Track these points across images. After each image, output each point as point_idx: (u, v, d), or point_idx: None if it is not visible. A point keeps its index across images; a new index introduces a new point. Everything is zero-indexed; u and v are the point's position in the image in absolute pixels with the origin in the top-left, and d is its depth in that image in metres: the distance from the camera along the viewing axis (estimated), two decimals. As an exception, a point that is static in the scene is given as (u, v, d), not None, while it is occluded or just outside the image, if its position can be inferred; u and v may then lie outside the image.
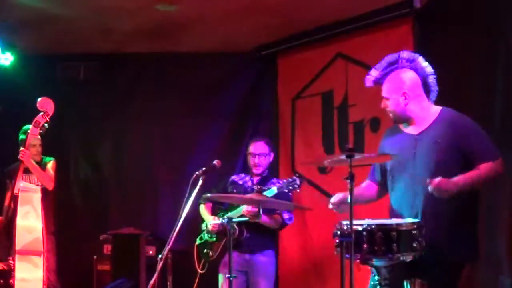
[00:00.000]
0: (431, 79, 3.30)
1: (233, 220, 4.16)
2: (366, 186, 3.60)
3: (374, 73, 3.37)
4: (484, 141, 3.20)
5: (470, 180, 3.11)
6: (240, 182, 4.62)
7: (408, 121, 3.34)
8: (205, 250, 4.57)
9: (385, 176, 3.48)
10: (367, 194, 3.58)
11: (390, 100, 3.32)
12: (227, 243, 4.31)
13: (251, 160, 4.58)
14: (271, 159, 4.66)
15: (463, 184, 3.07)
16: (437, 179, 3.01)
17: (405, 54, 3.33)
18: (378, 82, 3.37)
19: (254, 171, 4.58)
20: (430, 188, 3.03)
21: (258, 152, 4.56)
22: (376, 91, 5.12)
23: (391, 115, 3.37)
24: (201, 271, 4.57)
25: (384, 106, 3.38)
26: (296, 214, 5.83)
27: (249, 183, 4.58)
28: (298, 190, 4.22)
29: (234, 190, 4.55)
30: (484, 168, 3.13)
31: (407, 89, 3.28)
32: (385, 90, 3.35)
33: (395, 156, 3.26)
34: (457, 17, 4.48)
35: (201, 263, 4.59)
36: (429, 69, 3.31)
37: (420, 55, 3.35)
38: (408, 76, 3.29)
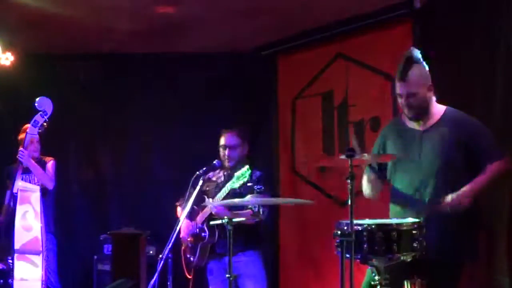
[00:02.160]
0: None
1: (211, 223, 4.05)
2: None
3: (399, 69, 3.29)
4: (490, 141, 3.24)
5: (481, 185, 3.16)
6: (214, 179, 4.40)
7: (425, 116, 3.31)
8: (187, 255, 4.41)
9: (383, 168, 3.48)
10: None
11: (418, 93, 3.25)
12: (203, 247, 4.24)
13: (222, 153, 4.32)
14: (245, 152, 4.35)
15: (477, 192, 3.14)
16: (449, 200, 3.07)
17: (415, 51, 3.32)
18: (403, 78, 3.27)
19: (226, 164, 4.31)
20: (448, 209, 3.07)
21: (229, 144, 4.29)
22: (376, 91, 5.16)
23: (412, 112, 3.29)
24: (189, 276, 4.40)
25: (407, 103, 3.27)
26: (296, 213, 5.87)
27: (222, 179, 4.35)
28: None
29: (207, 188, 4.33)
30: (491, 169, 3.17)
31: (430, 82, 3.28)
32: (412, 84, 3.25)
33: (395, 156, 3.26)
34: (457, 17, 4.48)
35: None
36: (425, 63, 3.32)
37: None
38: (427, 70, 3.29)
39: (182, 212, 4.12)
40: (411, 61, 3.27)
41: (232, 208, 4.01)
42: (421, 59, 3.30)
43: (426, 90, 3.28)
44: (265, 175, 4.34)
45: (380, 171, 3.52)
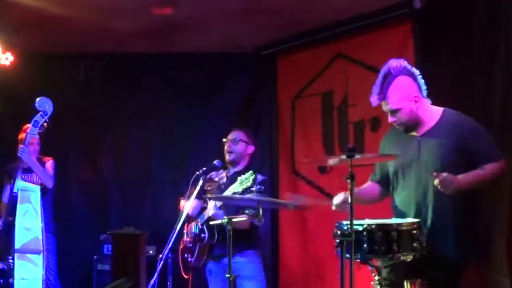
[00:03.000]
0: (420, 78, 3.29)
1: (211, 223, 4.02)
2: (368, 187, 3.58)
3: (376, 90, 3.28)
4: (488, 142, 3.21)
5: (475, 179, 3.13)
6: (216, 179, 4.40)
7: (418, 126, 3.29)
8: (185, 255, 4.42)
9: (386, 177, 3.48)
10: (369, 194, 3.55)
11: (402, 109, 3.23)
12: (201, 247, 4.24)
13: (225, 148, 4.36)
14: (248, 151, 4.36)
15: (467, 183, 3.09)
16: (444, 174, 3.02)
17: (393, 62, 3.28)
18: (383, 97, 3.26)
19: (226, 157, 4.32)
20: (436, 181, 3.03)
21: (232, 138, 4.33)
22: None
23: (402, 126, 3.30)
24: (185, 276, 4.40)
25: (393, 120, 3.28)
26: (296, 214, 5.86)
27: (224, 180, 4.35)
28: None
29: (209, 188, 4.32)
30: (489, 168, 3.15)
31: (415, 93, 3.25)
32: (393, 102, 3.23)
33: (396, 156, 3.26)
34: (457, 17, 4.48)
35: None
36: (414, 69, 3.30)
37: (404, 59, 3.32)
38: (408, 81, 3.26)
39: (183, 211, 4.10)
40: (389, 76, 3.23)
41: (229, 212, 3.99)
42: (405, 69, 3.25)
43: (411, 103, 3.23)
44: (268, 180, 4.37)
45: (384, 184, 3.51)
